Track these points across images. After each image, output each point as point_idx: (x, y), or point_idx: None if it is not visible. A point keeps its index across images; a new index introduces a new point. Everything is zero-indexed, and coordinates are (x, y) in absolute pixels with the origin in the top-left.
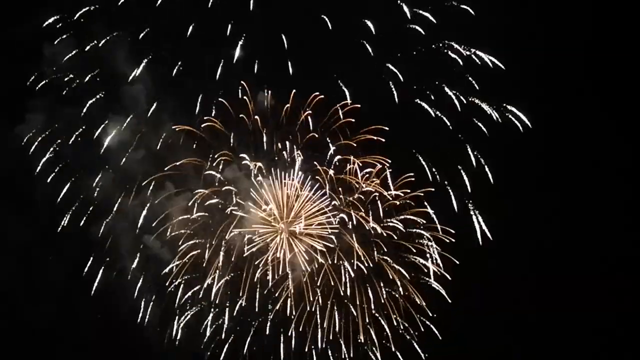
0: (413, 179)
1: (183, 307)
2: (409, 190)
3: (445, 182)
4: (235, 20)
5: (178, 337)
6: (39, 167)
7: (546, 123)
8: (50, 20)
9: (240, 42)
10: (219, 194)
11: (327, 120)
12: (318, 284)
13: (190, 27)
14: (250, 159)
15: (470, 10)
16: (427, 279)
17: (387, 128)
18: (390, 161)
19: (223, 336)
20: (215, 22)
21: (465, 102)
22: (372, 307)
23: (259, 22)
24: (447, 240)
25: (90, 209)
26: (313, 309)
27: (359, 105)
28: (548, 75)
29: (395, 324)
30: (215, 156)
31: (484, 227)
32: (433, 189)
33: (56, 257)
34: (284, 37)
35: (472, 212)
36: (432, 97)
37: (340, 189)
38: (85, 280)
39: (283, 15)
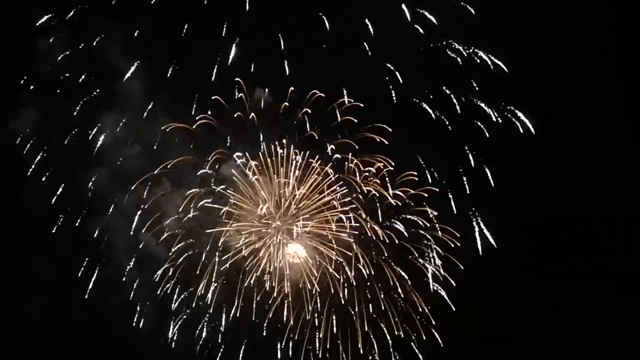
0: (416, 178)
1: (179, 308)
2: (411, 191)
3: (444, 182)
4: (230, 19)
5: (174, 339)
6: (33, 165)
7: (547, 125)
8: (45, 17)
9: (236, 41)
10: (215, 193)
11: (325, 118)
12: (316, 287)
13: (186, 25)
14: (246, 157)
15: (471, 9)
16: (428, 281)
17: (386, 126)
18: (393, 163)
19: (219, 338)
20: (210, 20)
21: (465, 102)
22: (372, 313)
23: (255, 22)
24: (452, 245)
25: (85, 207)
26: (311, 314)
27: (361, 105)
28: (549, 76)
29: (395, 331)
30: (211, 154)
31: (486, 231)
32: (437, 189)
33: (50, 257)
34: (280, 36)
35: (472, 217)
36: (431, 97)
37: (337, 186)
38: (80, 280)
39: (280, 15)
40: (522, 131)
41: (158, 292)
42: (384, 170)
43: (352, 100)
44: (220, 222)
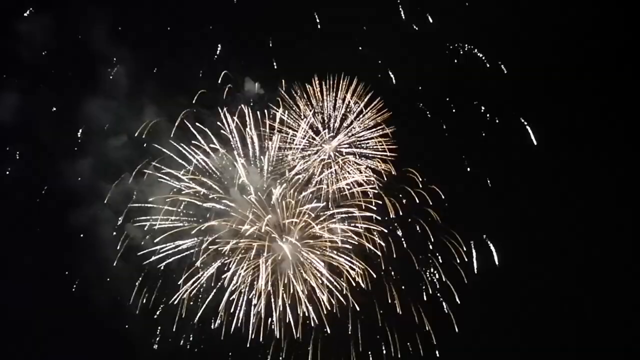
0: (417, 180)
1: (168, 306)
2: (408, 189)
3: (441, 186)
4: (221, 12)
5: (162, 338)
6: (17, 154)
7: (546, 127)
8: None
9: (226, 33)
10: (203, 185)
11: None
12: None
13: (175, 17)
14: (236, 150)
15: (468, 5)
16: (430, 295)
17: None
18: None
19: (210, 339)
20: (200, 12)
21: (462, 104)
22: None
23: (243, 17)
24: (458, 260)
25: (71, 199)
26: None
27: (359, 101)
28: (549, 78)
29: (393, 350)
30: (199, 146)
31: (492, 247)
32: (436, 188)
33: (37, 251)
34: (271, 34)
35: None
36: (426, 95)
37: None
38: (67, 276)
39: (272, 12)
40: (519, 132)
41: (145, 291)
42: (381, 168)
43: (348, 97)
44: (208, 218)
